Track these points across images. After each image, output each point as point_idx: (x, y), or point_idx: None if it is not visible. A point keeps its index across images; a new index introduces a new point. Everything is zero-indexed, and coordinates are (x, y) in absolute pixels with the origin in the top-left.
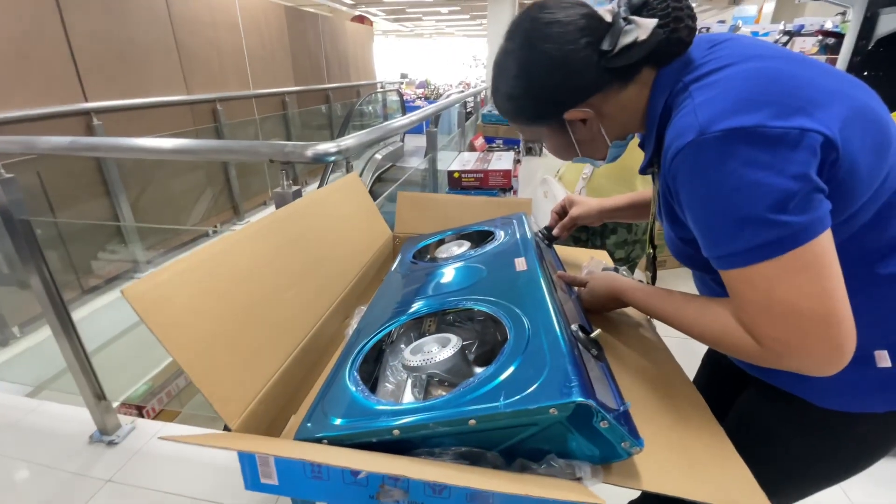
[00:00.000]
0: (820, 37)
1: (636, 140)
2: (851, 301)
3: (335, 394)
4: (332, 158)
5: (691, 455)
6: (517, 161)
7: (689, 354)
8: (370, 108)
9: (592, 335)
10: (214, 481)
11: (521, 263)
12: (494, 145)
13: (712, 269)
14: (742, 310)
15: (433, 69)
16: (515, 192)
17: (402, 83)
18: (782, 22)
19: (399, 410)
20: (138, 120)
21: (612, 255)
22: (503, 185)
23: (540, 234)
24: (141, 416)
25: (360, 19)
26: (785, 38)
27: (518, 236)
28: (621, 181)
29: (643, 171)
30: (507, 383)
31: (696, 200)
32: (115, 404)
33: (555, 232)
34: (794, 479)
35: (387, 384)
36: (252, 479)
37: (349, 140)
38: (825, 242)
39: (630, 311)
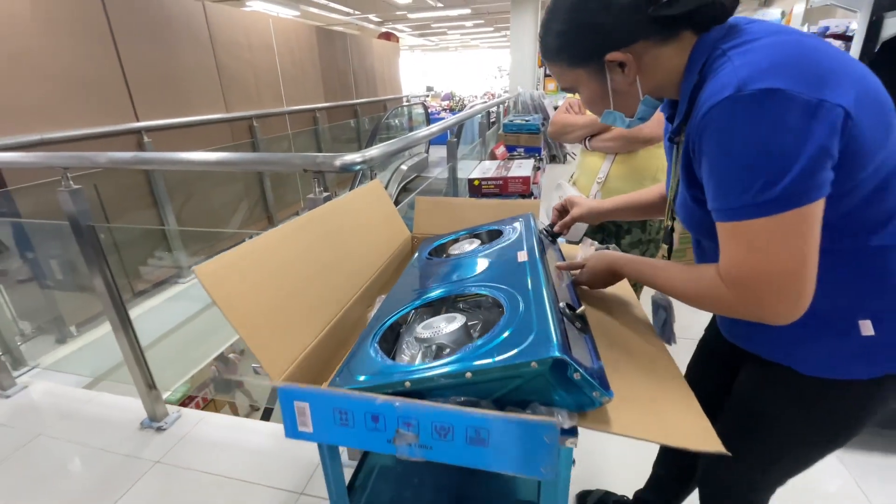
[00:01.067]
0: (840, 41)
1: (651, 148)
2: (843, 271)
3: (359, 358)
4: (358, 167)
5: (658, 406)
6: (537, 168)
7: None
8: (396, 121)
9: (577, 311)
10: (250, 463)
11: (522, 255)
12: (515, 153)
13: (710, 234)
14: (728, 262)
15: (459, 81)
16: (536, 199)
17: (427, 96)
18: (806, 24)
19: (411, 369)
20: (183, 137)
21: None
22: (522, 191)
23: (544, 232)
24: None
25: (387, 36)
26: None
27: (523, 233)
28: (635, 184)
29: (671, 139)
30: (500, 346)
31: (721, 151)
32: (166, 395)
33: (555, 229)
34: (790, 449)
35: (402, 356)
36: (291, 428)
37: (373, 150)
38: (817, 209)
39: (622, 293)
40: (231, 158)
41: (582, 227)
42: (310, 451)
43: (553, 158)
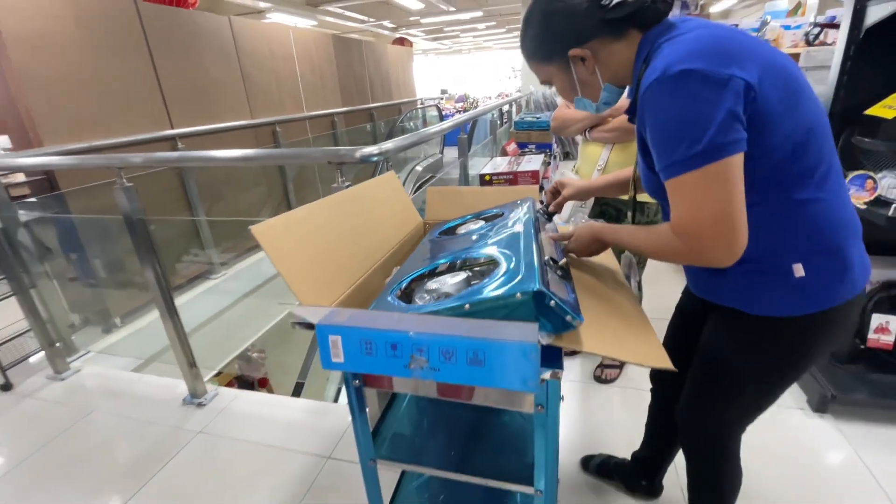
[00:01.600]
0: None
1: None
2: (773, 222)
3: (380, 302)
4: (375, 158)
5: (622, 335)
6: (547, 163)
7: None
8: (411, 123)
9: (560, 263)
10: (282, 433)
11: (518, 228)
12: (527, 150)
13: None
14: (674, 214)
15: (473, 83)
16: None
17: (442, 99)
18: (813, 14)
19: (422, 306)
20: (212, 142)
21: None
22: (532, 184)
23: (540, 211)
24: None
25: (401, 41)
26: (817, 30)
27: (521, 213)
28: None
29: (631, 118)
30: (493, 286)
31: (655, 123)
32: (207, 378)
33: (550, 208)
34: (747, 384)
35: (415, 303)
36: (326, 360)
37: (388, 144)
38: (736, 162)
39: (605, 261)
40: (263, 154)
41: (583, 215)
42: (335, 421)
43: (567, 155)
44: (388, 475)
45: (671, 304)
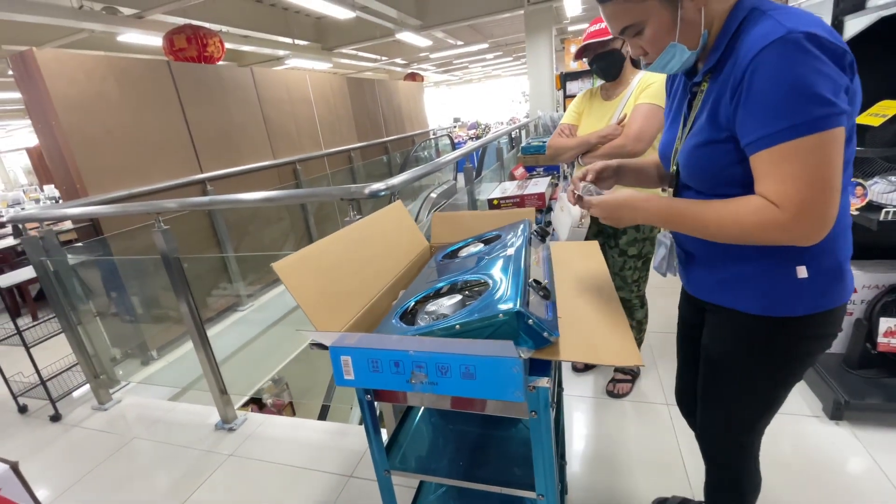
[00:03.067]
0: None
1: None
2: None
3: (385, 325)
4: (383, 193)
5: (597, 339)
6: (555, 184)
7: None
8: (424, 153)
9: (542, 283)
10: (307, 454)
11: (510, 251)
12: (535, 173)
13: (718, 183)
14: (774, 184)
15: (485, 110)
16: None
17: (454, 127)
18: None
19: (420, 328)
20: (238, 183)
21: (625, 252)
22: (538, 206)
23: (535, 232)
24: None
25: (413, 76)
26: None
27: (515, 236)
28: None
29: (697, 82)
30: (480, 308)
31: (773, 82)
32: (238, 405)
33: (588, 178)
34: (745, 387)
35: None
36: (338, 377)
37: (395, 179)
38: (842, 133)
39: (593, 264)
40: (282, 195)
41: (582, 231)
42: (356, 441)
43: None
44: (407, 491)
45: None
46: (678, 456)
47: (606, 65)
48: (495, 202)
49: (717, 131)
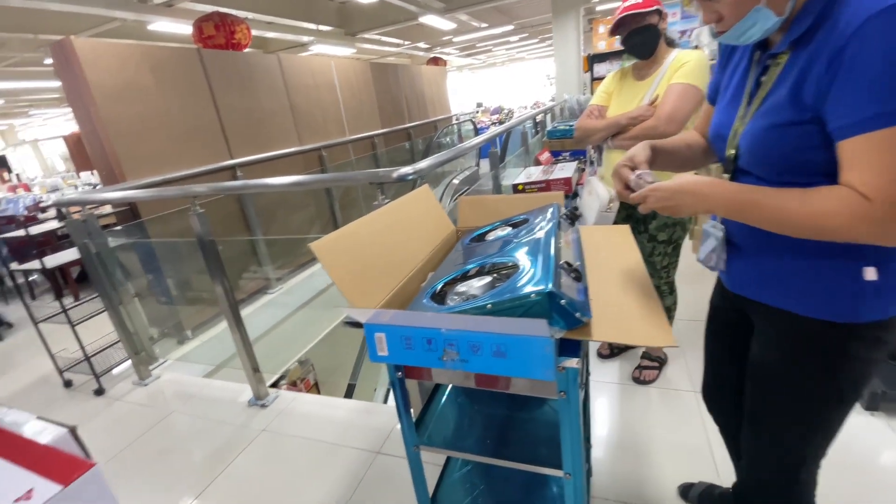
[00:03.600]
0: None
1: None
2: None
3: (416, 304)
4: (410, 177)
5: (629, 320)
6: (581, 169)
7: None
8: (447, 139)
9: (573, 266)
10: (336, 430)
11: (540, 234)
12: (561, 158)
13: (787, 170)
14: (873, 173)
15: (508, 94)
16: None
17: (477, 112)
18: None
19: (452, 307)
20: (266, 170)
21: (655, 238)
22: (565, 191)
23: (564, 216)
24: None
25: (435, 61)
26: None
27: (544, 219)
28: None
29: (775, 53)
30: (512, 288)
31: (879, 58)
32: (270, 382)
33: (643, 166)
34: (801, 403)
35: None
36: (372, 353)
37: (421, 163)
38: None
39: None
40: (312, 178)
41: (611, 216)
42: (383, 420)
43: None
44: (432, 470)
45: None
46: (705, 443)
47: (641, 41)
48: (520, 187)
49: (800, 111)
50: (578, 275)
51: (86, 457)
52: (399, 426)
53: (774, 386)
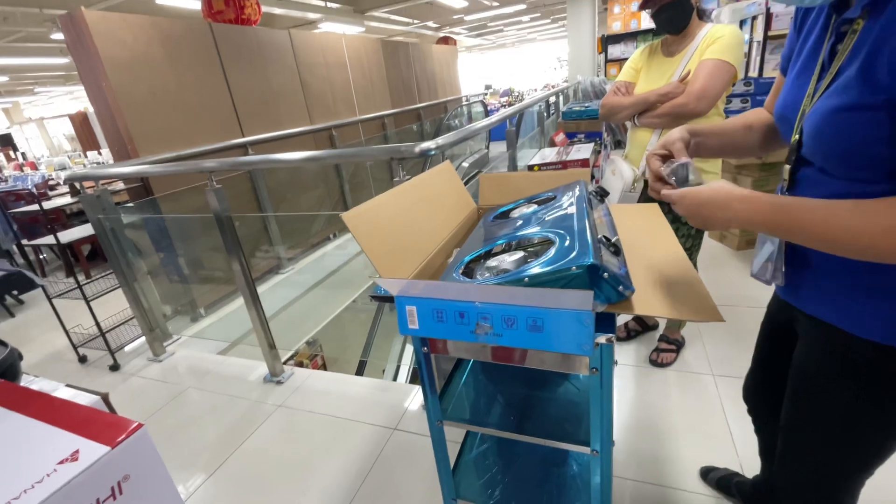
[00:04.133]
0: None
1: (697, 120)
2: None
3: (447, 277)
4: (433, 152)
5: (673, 295)
6: (597, 151)
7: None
8: (456, 121)
9: (612, 240)
10: (353, 407)
11: (571, 209)
12: (576, 139)
13: (857, 165)
14: None
15: (518, 76)
16: (597, 181)
17: (486, 94)
18: None
19: (487, 280)
20: (277, 148)
21: (678, 219)
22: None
23: (592, 193)
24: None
25: (445, 40)
26: None
27: (573, 195)
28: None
29: (850, 18)
30: (550, 262)
31: None
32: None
33: (683, 159)
34: (845, 425)
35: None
36: (402, 326)
37: (442, 139)
38: None
39: (659, 229)
40: (334, 154)
41: (634, 196)
42: (397, 397)
43: (618, 144)
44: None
45: (728, 291)
46: (724, 426)
47: (673, 15)
48: (535, 168)
49: (872, 92)
50: (617, 249)
51: None
52: (413, 404)
53: (814, 399)
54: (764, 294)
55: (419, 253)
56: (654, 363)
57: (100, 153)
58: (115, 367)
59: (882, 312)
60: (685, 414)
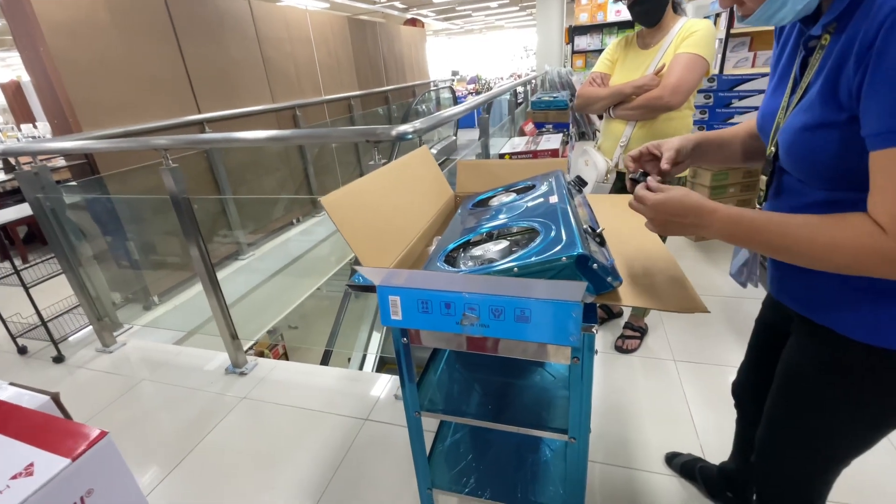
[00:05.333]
0: None
1: (669, 114)
2: None
3: (430, 267)
4: (410, 136)
5: (657, 287)
6: (565, 142)
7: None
8: (424, 106)
9: (597, 231)
10: (321, 398)
11: (553, 199)
12: (544, 129)
13: (831, 178)
14: (892, 200)
15: (484, 64)
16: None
17: (453, 80)
18: None
19: (473, 269)
20: (237, 126)
21: None
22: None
23: (571, 183)
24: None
25: (412, 22)
26: None
27: (553, 184)
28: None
29: (816, 35)
30: (537, 252)
31: None
32: (247, 345)
33: (664, 166)
34: (831, 423)
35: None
36: (385, 317)
37: (419, 123)
38: None
39: (636, 220)
40: (303, 133)
41: (606, 187)
42: (367, 387)
43: (582, 135)
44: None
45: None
46: (686, 410)
47: (648, 8)
48: (507, 157)
49: (835, 110)
50: (602, 239)
51: None
52: (384, 393)
53: (801, 395)
54: (721, 283)
55: (400, 240)
56: (620, 349)
57: (35, 126)
58: (59, 359)
59: (871, 315)
60: (650, 398)
